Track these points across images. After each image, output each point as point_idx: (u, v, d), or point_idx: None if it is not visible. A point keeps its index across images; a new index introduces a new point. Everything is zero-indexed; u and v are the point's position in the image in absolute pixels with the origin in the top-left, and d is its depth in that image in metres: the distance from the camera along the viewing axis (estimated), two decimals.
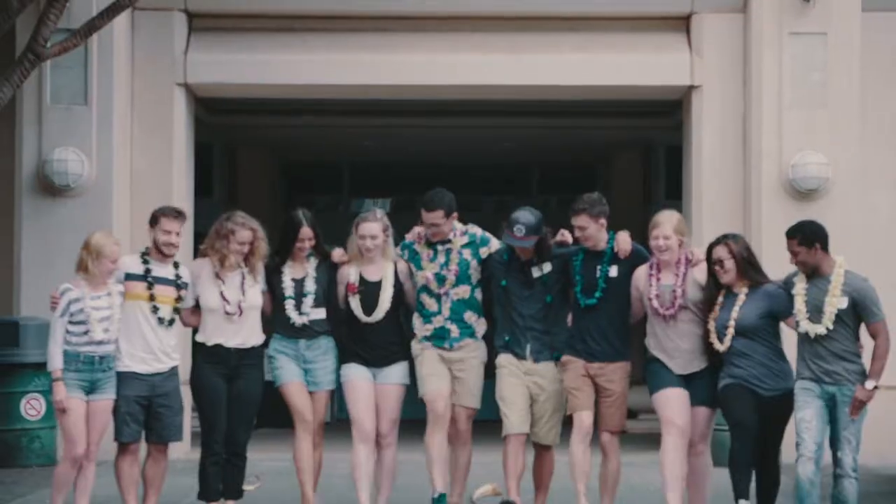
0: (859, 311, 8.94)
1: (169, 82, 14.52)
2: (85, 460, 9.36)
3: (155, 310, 9.43)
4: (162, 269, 9.53)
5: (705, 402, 9.34)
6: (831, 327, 8.92)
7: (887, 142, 14.69)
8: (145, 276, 9.48)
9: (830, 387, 8.98)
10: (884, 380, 14.15)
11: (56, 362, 9.27)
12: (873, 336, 8.98)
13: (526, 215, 9.48)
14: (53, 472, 9.58)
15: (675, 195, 16.18)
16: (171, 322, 9.52)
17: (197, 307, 9.67)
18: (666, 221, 9.36)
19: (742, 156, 14.54)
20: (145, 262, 9.52)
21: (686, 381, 9.35)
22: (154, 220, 9.55)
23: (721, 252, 9.17)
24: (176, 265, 9.59)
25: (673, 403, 9.29)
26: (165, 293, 9.50)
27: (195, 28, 14.75)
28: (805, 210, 13.83)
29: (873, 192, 14.55)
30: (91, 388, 9.34)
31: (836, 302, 8.91)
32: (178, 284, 9.54)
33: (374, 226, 9.59)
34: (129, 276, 9.47)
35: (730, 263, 9.14)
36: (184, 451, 13.18)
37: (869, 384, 8.91)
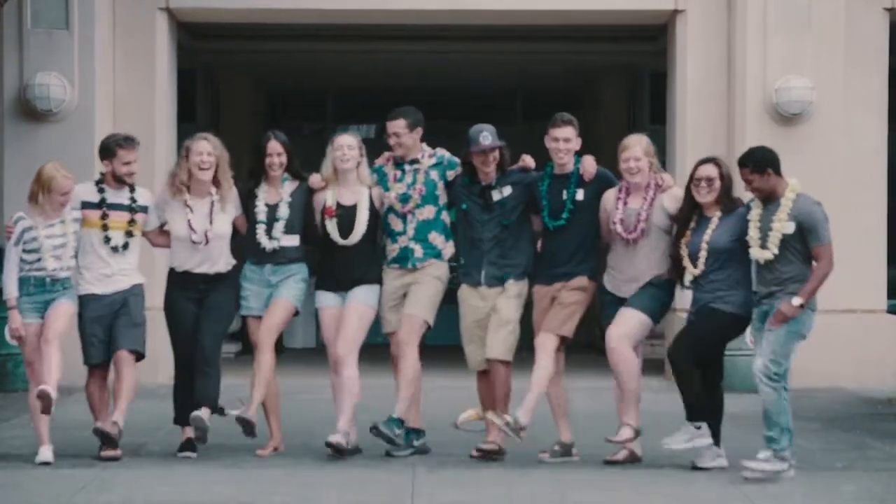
0: (805, 235, 8.82)
1: (151, 7, 14.44)
2: (44, 344, 9.25)
3: (107, 240, 9.42)
4: (117, 196, 9.50)
5: (638, 307, 9.27)
6: (777, 252, 8.82)
7: (872, 65, 14.66)
8: (100, 204, 9.45)
9: (766, 307, 8.91)
10: (861, 303, 14.36)
11: (11, 290, 9.28)
12: (816, 259, 8.83)
13: (485, 125, 9.53)
14: (27, 400, 9.45)
15: (659, 120, 16.15)
16: (126, 246, 9.49)
17: (165, 229, 9.67)
18: (636, 144, 9.39)
19: (726, 80, 14.51)
20: (101, 190, 9.50)
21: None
22: (109, 153, 9.44)
23: (711, 171, 9.10)
24: (132, 188, 9.55)
25: (612, 325, 9.28)
26: (118, 219, 9.47)
27: None
28: (789, 134, 13.83)
29: (857, 115, 14.55)
30: (46, 309, 9.32)
31: (780, 227, 8.79)
32: (132, 209, 9.51)
33: (348, 137, 9.60)
34: (85, 205, 9.46)
35: (718, 183, 9.11)
36: (168, 377, 13.17)
37: (795, 300, 8.74)
